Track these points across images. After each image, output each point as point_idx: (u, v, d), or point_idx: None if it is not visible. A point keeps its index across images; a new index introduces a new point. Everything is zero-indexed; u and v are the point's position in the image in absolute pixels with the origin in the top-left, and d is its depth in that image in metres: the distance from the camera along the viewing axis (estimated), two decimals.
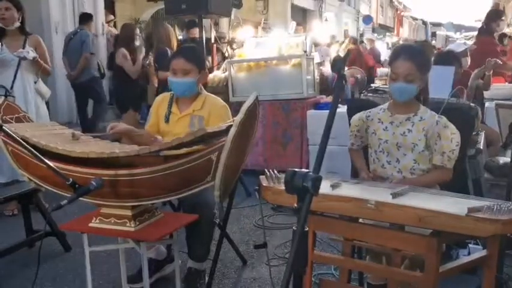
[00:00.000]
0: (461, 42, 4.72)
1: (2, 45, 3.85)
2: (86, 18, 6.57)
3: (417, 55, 2.19)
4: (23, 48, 3.88)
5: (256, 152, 5.00)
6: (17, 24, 3.90)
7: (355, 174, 2.50)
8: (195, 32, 5.87)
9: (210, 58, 5.91)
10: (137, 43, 5.28)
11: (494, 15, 5.64)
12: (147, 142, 2.59)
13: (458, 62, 4.00)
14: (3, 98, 2.62)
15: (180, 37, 6.46)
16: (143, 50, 5.38)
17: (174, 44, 5.32)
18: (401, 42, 13.22)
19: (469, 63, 4.59)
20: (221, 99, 2.83)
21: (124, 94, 5.29)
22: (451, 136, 2.13)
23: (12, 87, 3.84)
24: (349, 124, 2.52)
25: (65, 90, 7.37)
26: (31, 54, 3.87)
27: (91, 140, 2.47)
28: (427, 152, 2.18)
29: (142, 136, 2.69)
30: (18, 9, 3.90)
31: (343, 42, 10.75)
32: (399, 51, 2.23)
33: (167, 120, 2.70)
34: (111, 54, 5.26)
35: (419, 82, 2.16)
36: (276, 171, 2.02)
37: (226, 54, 5.96)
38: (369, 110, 2.33)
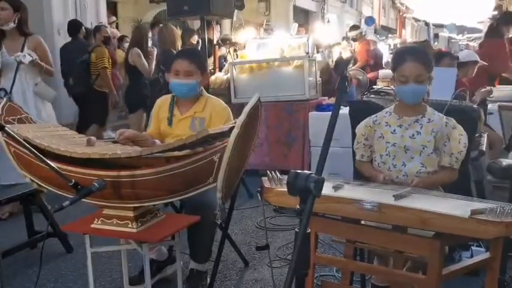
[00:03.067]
0: (471, 52, 4.60)
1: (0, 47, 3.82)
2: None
3: (423, 55, 2.21)
4: (22, 50, 3.83)
5: (262, 153, 5.02)
6: (12, 25, 3.83)
7: (357, 177, 2.49)
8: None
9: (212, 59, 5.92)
10: (149, 45, 5.32)
11: (508, 18, 5.52)
12: (149, 146, 2.61)
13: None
14: (5, 99, 2.61)
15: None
16: (155, 50, 5.41)
17: (178, 46, 5.33)
18: (399, 45, 13.00)
19: (475, 72, 4.52)
20: (223, 100, 2.83)
21: (136, 94, 5.30)
22: (459, 137, 2.14)
23: (11, 90, 3.81)
24: (352, 125, 2.51)
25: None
26: (27, 58, 3.80)
27: (101, 143, 2.47)
28: (435, 154, 2.17)
29: (147, 141, 2.70)
30: (16, 10, 3.83)
31: (343, 38, 10.35)
32: (405, 54, 2.21)
33: (170, 123, 2.70)
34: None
35: (427, 82, 2.18)
36: (278, 173, 2.02)
37: (229, 57, 5.96)
38: (374, 115, 2.31)
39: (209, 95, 2.84)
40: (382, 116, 2.29)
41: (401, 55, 2.23)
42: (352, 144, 2.46)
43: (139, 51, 5.12)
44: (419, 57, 2.17)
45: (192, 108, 2.70)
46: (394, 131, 2.22)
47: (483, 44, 5.58)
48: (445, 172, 2.17)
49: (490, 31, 5.62)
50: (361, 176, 2.41)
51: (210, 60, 5.80)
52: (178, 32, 5.55)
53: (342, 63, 1.63)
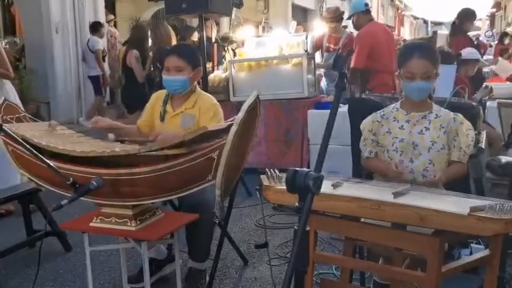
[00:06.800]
0: (473, 50, 4.59)
1: None
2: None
3: (430, 52, 2.19)
4: None
5: (260, 151, 5.01)
6: None
7: (356, 174, 2.48)
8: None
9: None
10: (148, 44, 5.33)
11: (466, 15, 5.61)
12: (136, 138, 2.62)
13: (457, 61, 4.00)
14: (3, 98, 2.60)
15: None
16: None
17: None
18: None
19: (475, 70, 4.53)
20: (222, 99, 2.82)
21: (133, 95, 5.30)
22: (467, 132, 2.16)
23: None
24: (351, 123, 2.51)
25: (65, 90, 7.36)
26: None
27: (90, 140, 2.46)
28: (445, 150, 2.16)
29: (131, 132, 2.69)
30: None
31: None
32: (412, 50, 2.18)
33: (162, 119, 2.70)
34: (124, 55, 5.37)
35: (434, 78, 2.17)
36: (277, 171, 2.01)
37: (227, 55, 5.94)
38: (381, 110, 2.29)
39: (202, 91, 2.82)
40: (390, 111, 2.27)
41: (408, 51, 2.20)
42: (351, 142, 2.45)
43: (138, 54, 5.16)
44: (427, 54, 2.15)
45: (184, 105, 2.69)
46: (402, 126, 2.21)
47: (450, 43, 5.62)
48: (456, 166, 2.18)
49: (454, 30, 5.71)
50: (360, 174, 2.40)
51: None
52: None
53: (340, 60, 1.61)
